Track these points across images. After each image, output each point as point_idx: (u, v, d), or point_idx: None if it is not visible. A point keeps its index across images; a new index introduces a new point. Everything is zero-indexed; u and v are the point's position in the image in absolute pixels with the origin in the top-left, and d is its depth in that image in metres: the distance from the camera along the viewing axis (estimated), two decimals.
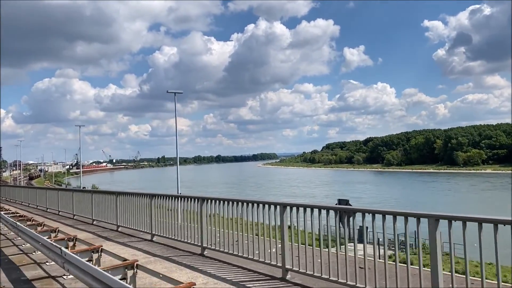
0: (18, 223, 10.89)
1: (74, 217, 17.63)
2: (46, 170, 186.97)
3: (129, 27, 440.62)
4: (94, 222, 15.57)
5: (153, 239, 11.37)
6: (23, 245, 11.01)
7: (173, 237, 10.43)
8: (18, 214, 15.65)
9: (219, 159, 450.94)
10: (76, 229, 14.30)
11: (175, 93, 39.20)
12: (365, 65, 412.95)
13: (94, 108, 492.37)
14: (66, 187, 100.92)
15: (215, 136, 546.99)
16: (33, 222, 12.72)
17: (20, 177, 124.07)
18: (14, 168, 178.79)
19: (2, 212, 14.48)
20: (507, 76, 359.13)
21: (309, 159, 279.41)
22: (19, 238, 11.03)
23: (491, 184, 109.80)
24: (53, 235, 10.21)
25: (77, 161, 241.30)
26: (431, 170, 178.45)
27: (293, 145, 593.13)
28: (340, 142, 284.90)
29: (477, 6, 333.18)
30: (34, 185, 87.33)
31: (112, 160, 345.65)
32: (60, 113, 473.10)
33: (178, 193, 29.14)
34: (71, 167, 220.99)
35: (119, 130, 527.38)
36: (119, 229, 13.42)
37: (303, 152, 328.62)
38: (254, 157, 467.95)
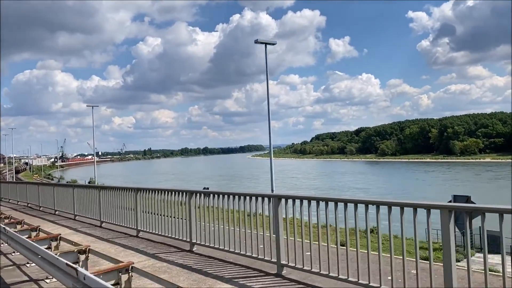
0: (7, 228, 9.08)
1: (56, 213, 17.25)
2: (31, 163, 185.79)
3: (113, 18, 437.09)
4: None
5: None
6: (13, 254, 9.41)
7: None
8: (4, 216, 13.68)
9: (206, 151, 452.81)
10: (73, 230, 13.92)
11: (265, 43, 29.72)
12: (350, 56, 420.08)
13: (77, 100, 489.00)
14: (59, 181, 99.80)
15: (200, 128, 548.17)
16: (25, 226, 10.68)
17: (5, 171, 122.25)
18: None
19: None
20: (489, 67, 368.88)
21: (299, 150, 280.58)
22: (5, 244, 9.42)
23: (495, 173, 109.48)
24: (54, 243, 8.23)
25: (62, 154, 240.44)
26: (428, 160, 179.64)
27: (278, 136, 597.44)
28: (330, 133, 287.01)
29: None
30: (21, 180, 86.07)
31: (98, 152, 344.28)
32: (42, 105, 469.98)
33: (272, 191, 23.33)
34: (56, 160, 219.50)
35: (103, 123, 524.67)
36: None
37: (292, 143, 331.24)
38: (241, 149, 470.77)
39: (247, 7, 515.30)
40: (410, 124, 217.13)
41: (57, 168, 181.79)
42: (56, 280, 6.15)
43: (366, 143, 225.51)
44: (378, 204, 5.42)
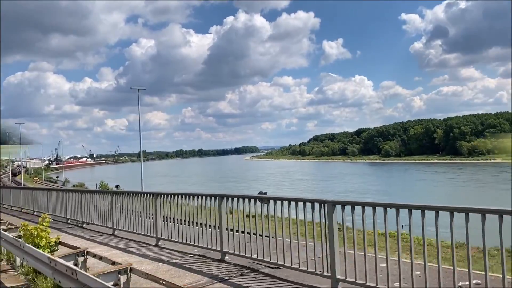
0: (25, 244, 7.60)
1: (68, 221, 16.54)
2: (25, 165, 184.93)
3: (106, 19, 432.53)
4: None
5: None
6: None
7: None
8: (14, 226, 11.99)
9: (201, 153, 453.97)
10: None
11: None
12: (343, 58, 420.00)
13: (69, 102, 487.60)
14: (63, 184, 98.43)
15: (193, 130, 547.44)
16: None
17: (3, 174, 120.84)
18: None
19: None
20: (481, 68, 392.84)
21: (298, 151, 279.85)
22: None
23: None
24: (80, 259, 7.02)
25: (56, 156, 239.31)
26: (436, 161, 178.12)
27: (271, 138, 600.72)
28: (328, 134, 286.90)
29: None
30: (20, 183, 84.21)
31: (93, 155, 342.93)
32: (34, 107, 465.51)
33: None
34: (50, 162, 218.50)
35: (95, 125, 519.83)
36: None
37: (289, 145, 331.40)
38: (236, 151, 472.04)
39: (241, 9, 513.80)
40: (414, 125, 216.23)
41: (52, 170, 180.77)
42: None
43: (368, 144, 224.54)
44: (484, 213, 4.56)
